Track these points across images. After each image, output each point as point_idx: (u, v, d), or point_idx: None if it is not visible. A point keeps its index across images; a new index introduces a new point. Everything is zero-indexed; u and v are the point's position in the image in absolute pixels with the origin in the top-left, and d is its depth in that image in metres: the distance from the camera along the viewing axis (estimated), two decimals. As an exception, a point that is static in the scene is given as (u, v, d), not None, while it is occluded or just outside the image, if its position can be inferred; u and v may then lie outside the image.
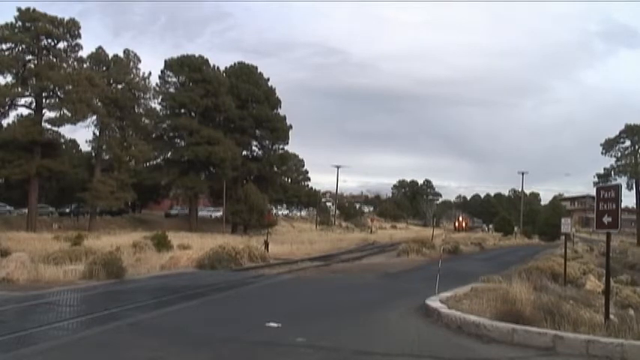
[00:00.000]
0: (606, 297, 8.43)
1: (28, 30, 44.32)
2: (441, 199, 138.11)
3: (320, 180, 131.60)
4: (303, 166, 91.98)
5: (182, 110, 57.79)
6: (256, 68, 65.30)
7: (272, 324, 8.53)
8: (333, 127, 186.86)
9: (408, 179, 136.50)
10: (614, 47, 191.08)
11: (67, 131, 66.40)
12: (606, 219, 8.28)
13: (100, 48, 51.42)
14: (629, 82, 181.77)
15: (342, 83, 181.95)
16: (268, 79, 65.35)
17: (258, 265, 23.01)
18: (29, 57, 45.55)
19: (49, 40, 45.73)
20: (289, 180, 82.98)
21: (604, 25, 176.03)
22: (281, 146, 67.75)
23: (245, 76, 63.48)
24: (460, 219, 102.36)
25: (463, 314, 8.55)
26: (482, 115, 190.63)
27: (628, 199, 70.11)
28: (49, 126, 46.39)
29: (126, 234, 38.93)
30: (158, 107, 57.59)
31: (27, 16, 44.28)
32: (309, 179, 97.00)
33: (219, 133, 56.38)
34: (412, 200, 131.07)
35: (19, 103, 45.77)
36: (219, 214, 62.47)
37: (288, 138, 66.62)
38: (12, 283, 13.74)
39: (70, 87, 44.43)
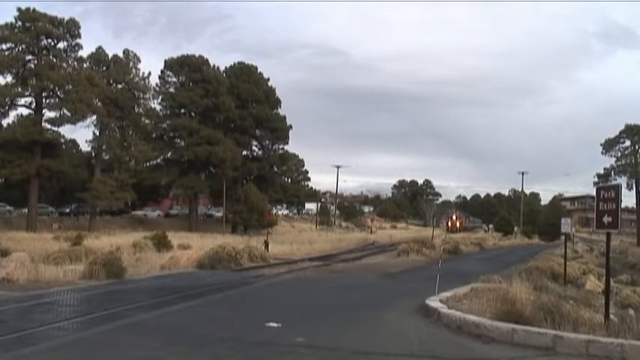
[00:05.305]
0: (606, 297, 8.42)
1: (28, 30, 44.31)
2: (441, 199, 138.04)
3: (320, 180, 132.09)
4: (303, 166, 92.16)
5: (182, 110, 57.81)
6: (256, 68, 65.33)
7: (272, 324, 8.53)
8: (333, 127, 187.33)
9: (408, 179, 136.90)
10: (612, 48, 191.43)
11: (67, 131, 66.29)
12: (606, 219, 8.26)
13: (99, 48, 51.50)
14: (628, 82, 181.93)
15: (342, 83, 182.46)
16: (268, 79, 65.41)
17: (258, 265, 22.98)
18: (29, 57, 45.55)
19: (49, 40, 45.72)
20: (289, 180, 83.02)
21: (601, 26, 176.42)
22: (281, 146, 67.86)
23: (245, 76, 63.49)
24: (454, 218, 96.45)
25: (463, 314, 8.55)
26: (482, 115, 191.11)
27: (628, 199, 70.22)
28: (49, 126, 46.43)
29: (126, 234, 38.92)
30: (158, 107, 57.70)
31: (27, 16, 44.27)
32: (309, 179, 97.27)
33: (219, 133, 56.41)
34: (412, 200, 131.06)
35: (19, 103, 45.83)
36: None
37: (288, 138, 66.72)
38: (12, 283, 13.71)
39: (70, 87, 44.46)
